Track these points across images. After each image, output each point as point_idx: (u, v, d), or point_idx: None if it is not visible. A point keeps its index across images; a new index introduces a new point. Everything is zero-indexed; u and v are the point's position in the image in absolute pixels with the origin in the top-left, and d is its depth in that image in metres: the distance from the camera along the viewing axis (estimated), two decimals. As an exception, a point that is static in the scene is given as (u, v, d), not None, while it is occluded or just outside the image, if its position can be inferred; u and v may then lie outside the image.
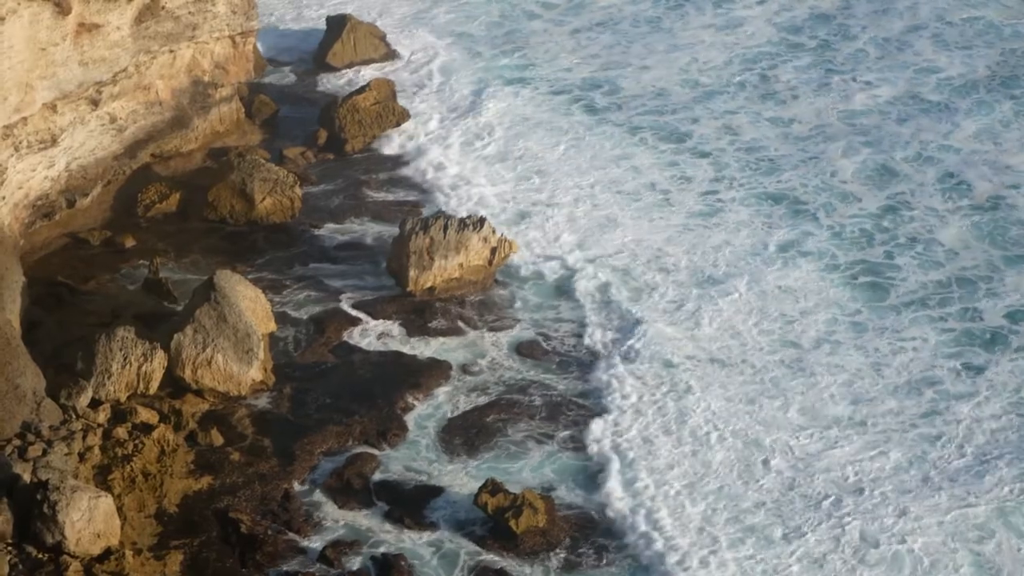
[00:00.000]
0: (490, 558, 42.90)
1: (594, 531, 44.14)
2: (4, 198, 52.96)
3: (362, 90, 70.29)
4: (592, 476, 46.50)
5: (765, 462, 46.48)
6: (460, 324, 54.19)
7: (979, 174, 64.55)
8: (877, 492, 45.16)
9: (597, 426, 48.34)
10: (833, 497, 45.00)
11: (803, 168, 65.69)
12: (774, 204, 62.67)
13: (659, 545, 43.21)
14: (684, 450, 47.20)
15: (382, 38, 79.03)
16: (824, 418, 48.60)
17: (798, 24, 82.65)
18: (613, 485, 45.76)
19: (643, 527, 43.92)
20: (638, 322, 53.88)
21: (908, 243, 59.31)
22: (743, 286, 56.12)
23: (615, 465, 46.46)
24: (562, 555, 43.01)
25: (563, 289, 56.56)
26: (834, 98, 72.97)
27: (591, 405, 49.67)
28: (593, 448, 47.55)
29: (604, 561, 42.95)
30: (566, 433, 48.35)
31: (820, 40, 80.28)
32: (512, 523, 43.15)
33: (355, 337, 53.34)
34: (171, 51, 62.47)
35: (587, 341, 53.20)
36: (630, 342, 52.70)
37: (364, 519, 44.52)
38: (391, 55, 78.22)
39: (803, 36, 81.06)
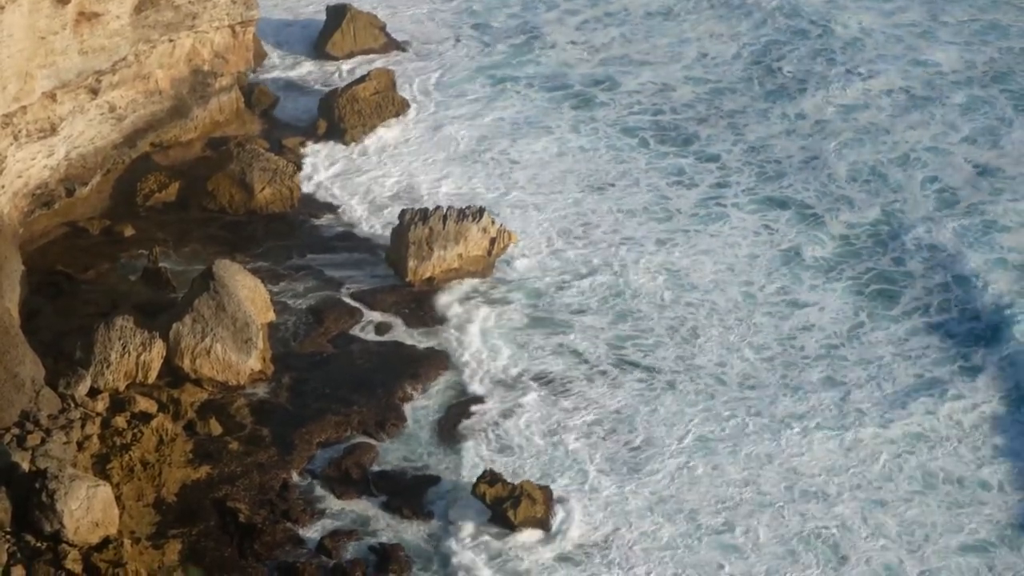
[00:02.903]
0: (488, 548, 42.95)
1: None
2: (3, 187, 52.94)
3: (362, 80, 70.17)
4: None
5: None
6: (462, 312, 54.11)
7: (966, 178, 63.90)
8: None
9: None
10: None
11: (805, 172, 64.82)
12: (778, 208, 61.89)
13: None
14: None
15: (382, 28, 78.80)
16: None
17: (802, 9, 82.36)
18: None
19: None
20: (626, 327, 53.62)
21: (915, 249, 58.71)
22: (739, 296, 55.63)
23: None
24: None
25: (554, 289, 56.00)
26: (836, 91, 72.67)
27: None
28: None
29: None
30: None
31: (823, 28, 79.91)
32: (510, 513, 43.19)
33: (354, 327, 53.34)
34: (171, 40, 62.38)
35: (578, 344, 52.71)
36: (615, 346, 52.43)
37: (362, 509, 44.59)
38: (391, 45, 78.03)
39: (805, 22, 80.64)
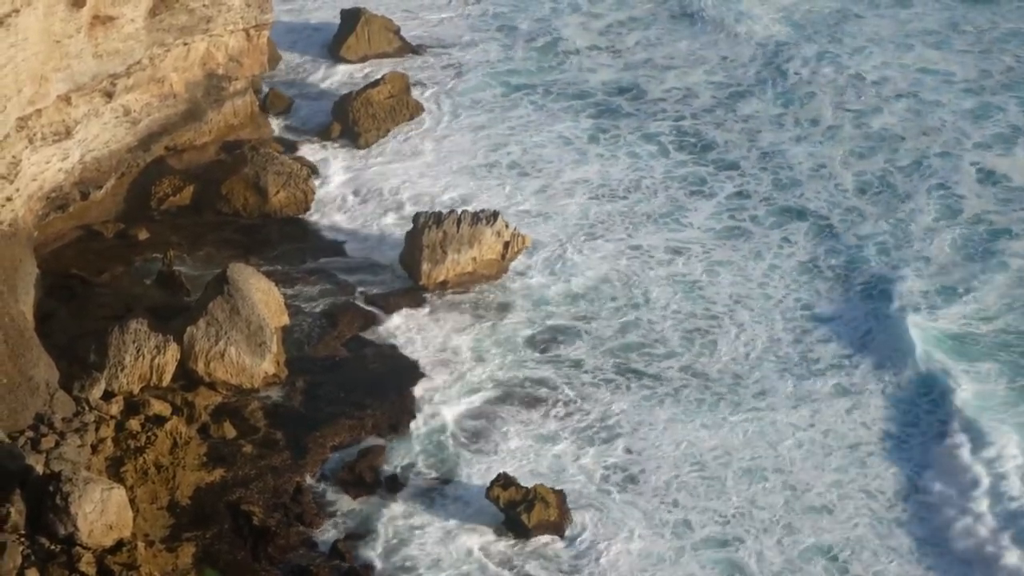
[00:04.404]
0: (502, 552, 42.93)
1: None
2: (18, 190, 52.98)
3: (376, 84, 70.30)
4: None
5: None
6: (473, 318, 54.14)
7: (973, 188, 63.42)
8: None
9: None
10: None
11: (816, 180, 64.38)
12: (796, 219, 61.48)
13: None
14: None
15: (396, 32, 78.90)
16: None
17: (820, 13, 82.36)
18: None
19: None
20: (636, 336, 53.33)
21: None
22: (756, 307, 55.26)
23: None
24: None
25: (564, 297, 55.80)
26: (848, 97, 72.51)
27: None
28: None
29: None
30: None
31: (832, 36, 79.81)
32: (524, 517, 43.14)
33: (367, 330, 53.34)
34: (185, 44, 62.42)
35: (584, 353, 52.45)
36: (622, 356, 52.21)
37: (376, 512, 44.54)
38: (406, 49, 78.10)
39: (817, 26, 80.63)
